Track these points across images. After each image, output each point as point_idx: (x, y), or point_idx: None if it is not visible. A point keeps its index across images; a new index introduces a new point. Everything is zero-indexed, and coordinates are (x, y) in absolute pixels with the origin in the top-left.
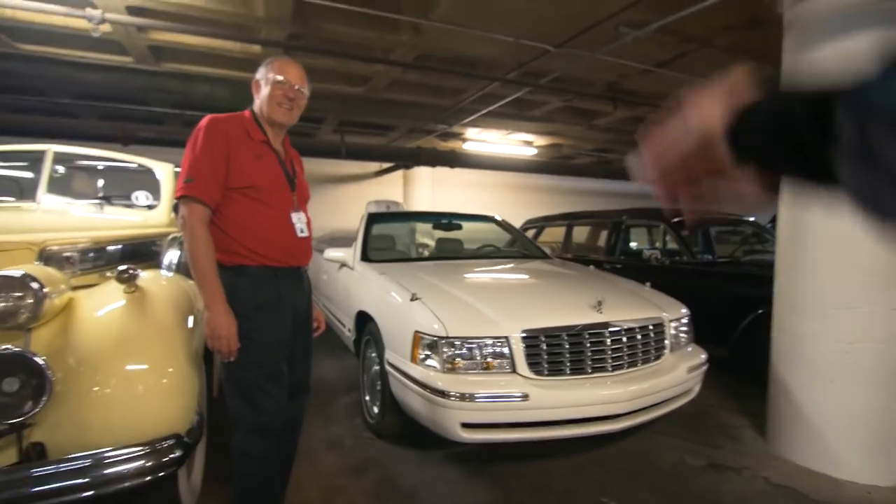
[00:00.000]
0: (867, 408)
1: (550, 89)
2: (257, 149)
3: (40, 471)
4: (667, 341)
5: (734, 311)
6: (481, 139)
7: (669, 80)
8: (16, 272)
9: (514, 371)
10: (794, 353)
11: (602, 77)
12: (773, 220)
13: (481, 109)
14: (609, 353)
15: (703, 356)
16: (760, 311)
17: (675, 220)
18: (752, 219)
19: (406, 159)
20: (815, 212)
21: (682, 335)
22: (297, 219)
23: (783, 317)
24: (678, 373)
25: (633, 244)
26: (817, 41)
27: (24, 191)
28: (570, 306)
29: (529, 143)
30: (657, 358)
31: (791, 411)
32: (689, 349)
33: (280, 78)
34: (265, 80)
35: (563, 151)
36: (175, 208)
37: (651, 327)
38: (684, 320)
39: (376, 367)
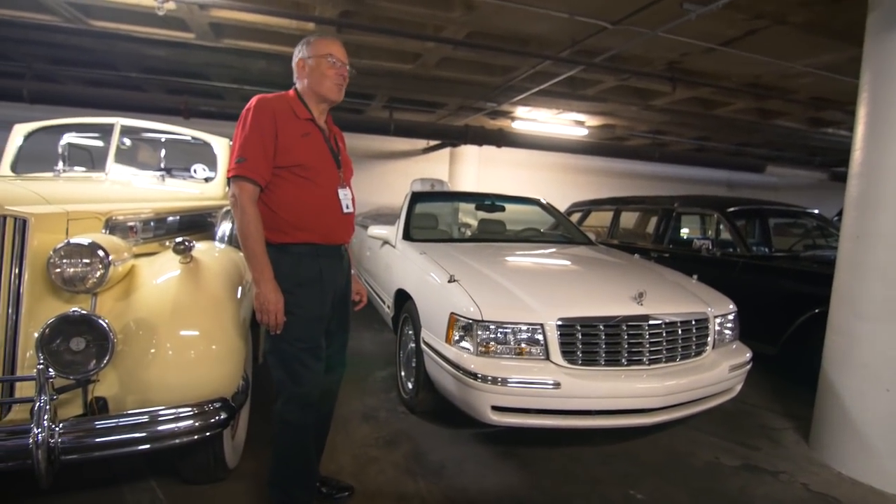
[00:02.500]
0: None
1: (605, 68)
2: (304, 127)
3: (103, 423)
4: (710, 337)
5: (788, 309)
6: (530, 118)
7: (734, 59)
8: (84, 240)
9: (547, 358)
10: (848, 356)
11: (661, 55)
12: (840, 214)
13: (532, 88)
14: (647, 346)
15: (748, 355)
16: (816, 311)
17: (731, 209)
18: (815, 211)
19: (453, 137)
20: (885, 209)
21: (726, 332)
22: (344, 195)
23: (840, 317)
24: (719, 371)
25: (683, 233)
26: None
27: (96, 161)
28: (609, 296)
29: (580, 124)
30: (698, 354)
31: (839, 417)
32: (734, 347)
33: (334, 59)
34: (315, 60)
35: (616, 132)
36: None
37: (694, 322)
38: (730, 316)
39: (412, 345)
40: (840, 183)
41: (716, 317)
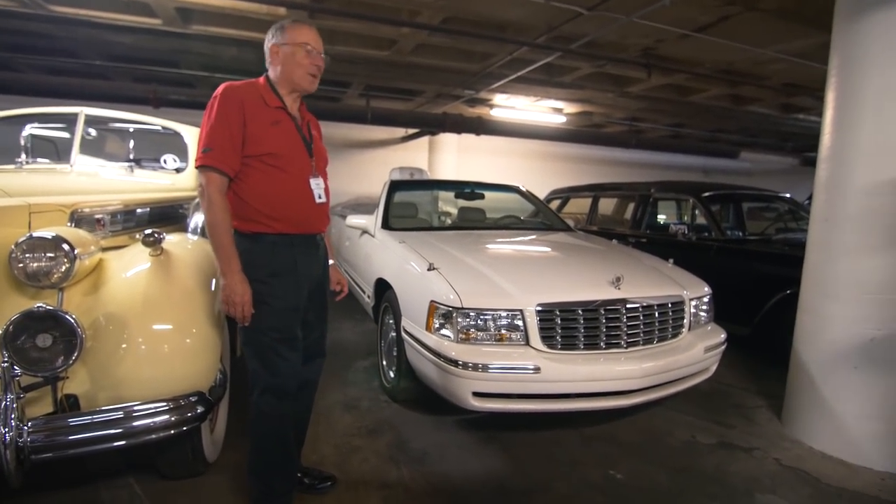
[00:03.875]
0: (888, 396)
1: (582, 54)
2: (274, 115)
3: (76, 420)
4: (686, 320)
5: (760, 290)
6: (509, 105)
7: (709, 46)
8: (48, 234)
9: (527, 343)
10: (818, 335)
11: (637, 42)
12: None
13: (509, 75)
14: (625, 329)
15: (723, 336)
16: (788, 292)
17: (706, 194)
18: (787, 195)
19: (432, 125)
20: (853, 192)
21: (702, 314)
22: (316, 184)
23: (810, 297)
24: (695, 352)
25: (660, 218)
26: (873, 7)
27: (61, 152)
28: (587, 281)
29: (558, 111)
30: (674, 336)
31: (810, 394)
32: (709, 328)
33: (310, 46)
34: (290, 47)
35: (594, 120)
36: None
37: (670, 305)
38: (705, 299)
39: (393, 334)
40: (811, 167)
41: (691, 299)
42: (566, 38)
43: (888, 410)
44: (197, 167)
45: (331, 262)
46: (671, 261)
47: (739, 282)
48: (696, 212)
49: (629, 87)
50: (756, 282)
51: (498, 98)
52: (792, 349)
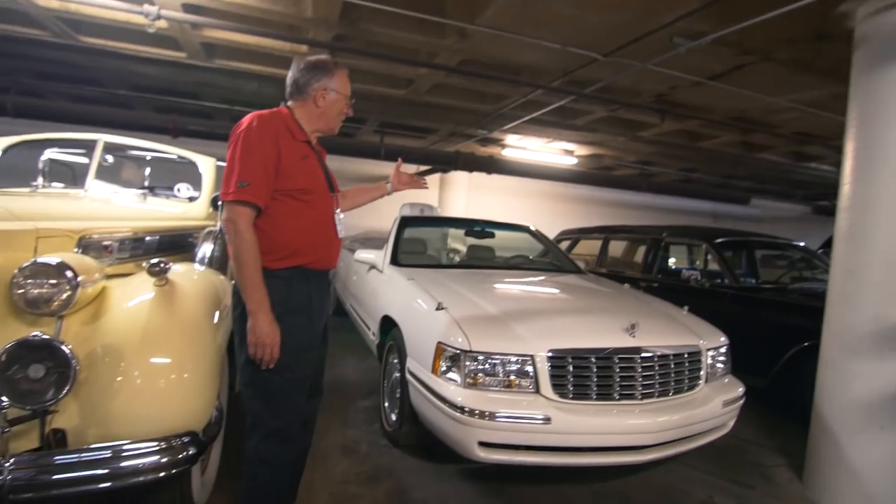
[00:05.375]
0: None
1: (595, 98)
2: (302, 149)
3: (62, 458)
4: (702, 371)
5: (778, 341)
6: (521, 146)
7: (722, 94)
8: (52, 259)
9: (537, 391)
10: (840, 392)
11: (651, 88)
12: (824, 246)
13: (523, 116)
14: (639, 379)
15: (741, 390)
16: (806, 344)
17: (719, 240)
18: (801, 244)
19: (444, 163)
20: (874, 243)
21: (719, 365)
22: (339, 220)
23: (832, 351)
24: (713, 406)
25: (671, 263)
26: (893, 59)
27: (77, 177)
28: (601, 327)
29: (570, 153)
30: (691, 388)
31: (833, 455)
32: (726, 380)
33: (350, 95)
34: (337, 95)
35: (605, 162)
36: (213, 203)
37: (686, 355)
38: (723, 349)
39: (397, 374)
40: (822, 216)
41: (708, 350)
42: (580, 83)
43: None
44: (229, 201)
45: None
46: (686, 308)
47: (755, 331)
48: (709, 257)
49: (641, 132)
50: (773, 332)
51: (510, 138)
52: (813, 405)
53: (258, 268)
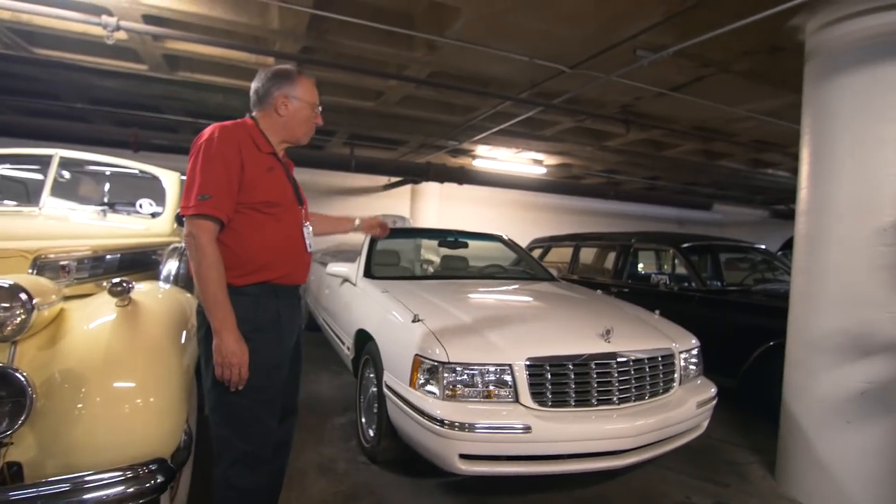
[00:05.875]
0: (884, 452)
1: (563, 109)
2: (267, 161)
3: (17, 494)
4: (676, 374)
5: (745, 341)
6: (491, 156)
7: (684, 104)
8: (4, 282)
9: (516, 400)
10: (807, 389)
11: (616, 99)
12: (784, 248)
13: (492, 127)
14: (616, 384)
15: (713, 390)
16: (772, 344)
17: (685, 244)
18: (762, 246)
19: (415, 174)
20: (831, 243)
21: (691, 367)
22: (308, 233)
23: (797, 351)
24: (687, 407)
25: (641, 268)
26: (841, 70)
27: (31, 194)
28: (577, 334)
29: (539, 162)
30: (666, 391)
31: (803, 450)
32: (699, 382)
33: (320, 107)
34: (300, 103)
35: (573, 171)
36: (178, 219)
37: (660, 358)
38: (695, 352)
39: (374, 389)
40: (780, 220)
41: (681, 352)
42: (548, 94)
43: (883, 468)
44: (190, 215)
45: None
46: (657, 312)
47: (723, 333)
48: (677, 262)
49: (608, 142)
50: (740, 333)
51: (480, 149)
52: (782, 403)
53: (222, 284)
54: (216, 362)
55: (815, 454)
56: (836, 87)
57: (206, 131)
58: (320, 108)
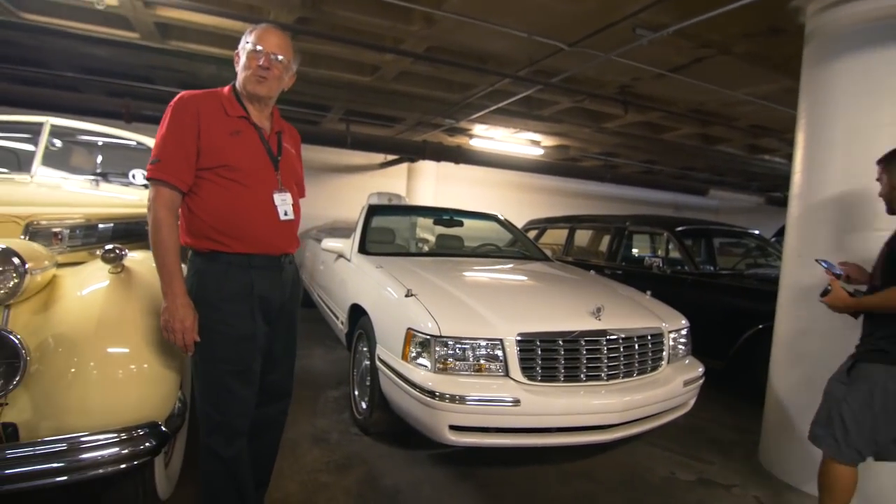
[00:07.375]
0: None
1: (561, 89)
2: (234, 125)
3: (14, 452)
4: (665, 352)
5: (734, 324)
6: (488, 136)
7: (683, 86)
8: None
9: (506, 375)
10: (793, 370)
11: (614, 79)
12: (778, 234)
13: (490, 106)
14: (605, 361)
15: (701, 370)
16: (761, 327)
17: (680, 228)
18: (756, 232)
19: (411, 152)
20: (823, 228)
21: (680, 347)
22: (281, 200)
23: (785, 333)
24: (674, 385)
25: (634, 251)
26: (841, 53)
27: (22, 163)
28: (568, 311)
29: (536, 143)
30: (654, 369)
31: (787, 430)
32: (687, 361)
33: (257, 47)
34: (243, 50)
35: (570, 153)
36: None
37: (650, 337)
38: (683, 332)
39: (367, 363)
40: (775, 206)
41: (670, 332)
42: (546, 73)
43: None
44: (149, 181)
45: None
46: (649, 293)
47: (713, 315)
48: (670, 245)
49: (605, 123)
50: (730, 316)
51: (478, 128)
52: (767, 384)
53: (172, 249)
54: (161, 326)
55: (797, 432)
56: (834, 69)
57: (172, 100)
58: (271, 54)
